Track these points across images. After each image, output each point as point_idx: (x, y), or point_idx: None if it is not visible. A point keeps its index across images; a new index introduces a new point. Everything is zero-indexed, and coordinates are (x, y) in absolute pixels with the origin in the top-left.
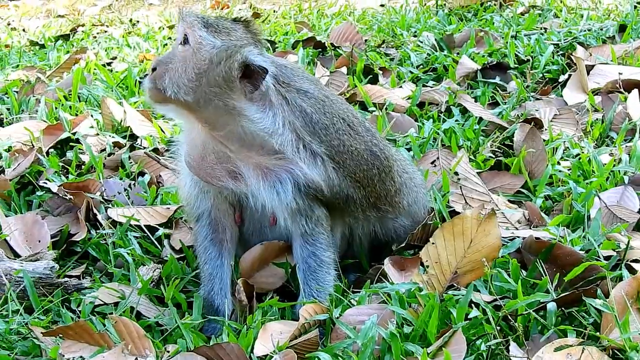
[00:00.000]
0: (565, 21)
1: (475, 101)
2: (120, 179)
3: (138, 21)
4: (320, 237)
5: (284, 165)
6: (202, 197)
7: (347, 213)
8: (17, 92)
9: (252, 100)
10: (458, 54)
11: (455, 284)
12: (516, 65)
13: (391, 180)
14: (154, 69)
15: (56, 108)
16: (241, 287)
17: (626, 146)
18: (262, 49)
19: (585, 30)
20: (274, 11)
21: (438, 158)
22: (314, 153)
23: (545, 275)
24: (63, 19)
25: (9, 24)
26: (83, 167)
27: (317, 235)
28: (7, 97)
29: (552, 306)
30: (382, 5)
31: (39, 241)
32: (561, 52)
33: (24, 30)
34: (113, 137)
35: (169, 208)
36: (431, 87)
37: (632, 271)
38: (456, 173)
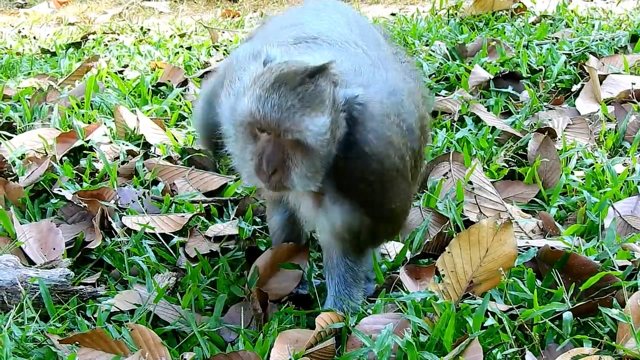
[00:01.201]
0: (577, 31)
1: (488, 110)
2: (135, 187)
3: (149, 29)
4: (362, 255)
5: None
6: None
7: None
8: (29, 99)
9: None
10: (470, 63)
11: (471, 293)
12: (528, 75)
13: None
14: (272, 172)
15: (69, 116)
16: (255, 295)
17: (639, 156)
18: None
19: (597, 40)
20: None
21: (450, 170)
22: None
23: (561, 285)
24: (74, 27)
25: (19, 32)
26: (97, 175)
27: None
28: (20, 105)
29: (567, 315)
30: (393, 14)
31: (54, 249)
32: (573, 62)
33: (34, 37)
34: (126, 145)
35: (183, 216)
36: (444, 97)
37: None
38: (470, 182)
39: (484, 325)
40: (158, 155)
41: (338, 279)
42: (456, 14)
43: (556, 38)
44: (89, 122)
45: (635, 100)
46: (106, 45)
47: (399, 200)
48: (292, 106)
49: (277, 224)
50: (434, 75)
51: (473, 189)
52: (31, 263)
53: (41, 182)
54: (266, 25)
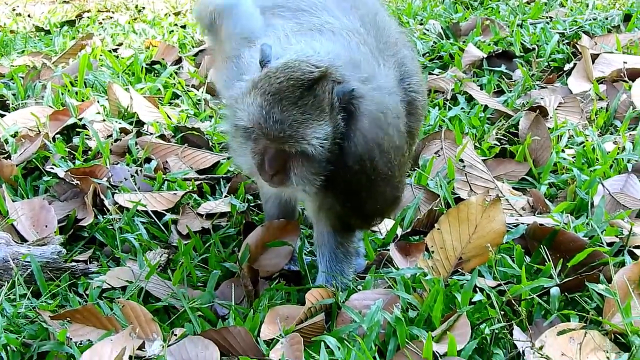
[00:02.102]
0: (571, 10)
1: (481, 89)
2: (127, 164)
3: (144, 7)
4: (351, 233)
5: None
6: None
7: None
8: (22, 77)
9: None
10: (464, 42)
11: (460, 269)
12: (522, 54)
13: None
14: (273, 175)
15: (62, 94)
16: (246, 272)
17: (630, 134)
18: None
19: (590, 20)
20: None
21: (442, 148)
22: None
23: (549, 261)
24: (68, 5)
25: (14, 10)
26: (90, 152)
27: (348, 231)
28: (13, 83)
29: (555, 291)
30: None
31: (46, 226)
32: (566, 41)
33: (29, 16)
34: (119, 123)
35: (175, 194)
36: (437, 75)
37: (635, 257)
38: (461, 160)
39: (473, 300)
40: (151, 133)
41: (329, 255)
42: None
43: (550, 17)
44: (82, 100)
45: (626, 79)
46: (100, 23)
47: (376, 203)
48: (295, 121)
49: (270, 200)
50: (427, 54)
51: (464, 166)
52: (23, 240)
53: (34, 160)
54: None
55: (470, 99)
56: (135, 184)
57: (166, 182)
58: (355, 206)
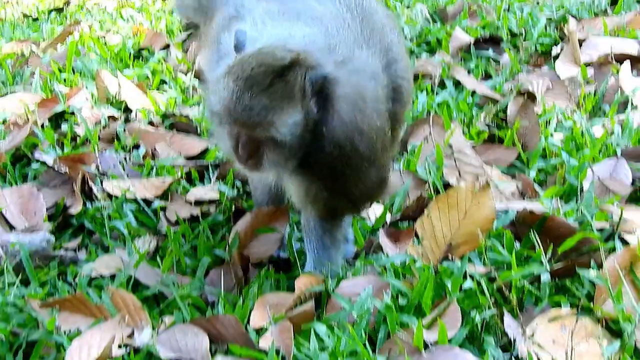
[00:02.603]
0: None
1: (469, 74)
2: (116, 151)
3: None
4: (337, 219)
5: None
6: None
7: None
8: (11, 64)
9: None
10: (451, 26)
11: (449, 256)
12: (509, 38)
13: None
14: (247, 160)
15: (51, 81)
16: (236, 259)
17: (619, 118)
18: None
19: (577, 3)
20: None
21: (430, 133)
22: None
23: (539, 247)
24: None
25: None
26: (78, 139)
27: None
28: (1, 69)
29: (545, 278)
30: None
31: (35, 213)
32: (554, 25)
33: (17, 2)
34: (108, 109)
35: (164, 181)
36: (424, 60)
37: (625, 243)
38: (450, 146)
39: (463, 287)
40: (139, 120)
41: (316, 242)
42: None
43: (537, 1)
44: (71, 87)
45: (614, 62)
46: (88, 10)
47: (362, 186)
48: (264, 107)
49: (259, 187)
50: (415, 39)
51: (453, 152)
52: (12, 228)
53: (22, 147)
54: None
55: (458, 83)
56: (124, 171)
57: (154, 168)
58: (341, 190)
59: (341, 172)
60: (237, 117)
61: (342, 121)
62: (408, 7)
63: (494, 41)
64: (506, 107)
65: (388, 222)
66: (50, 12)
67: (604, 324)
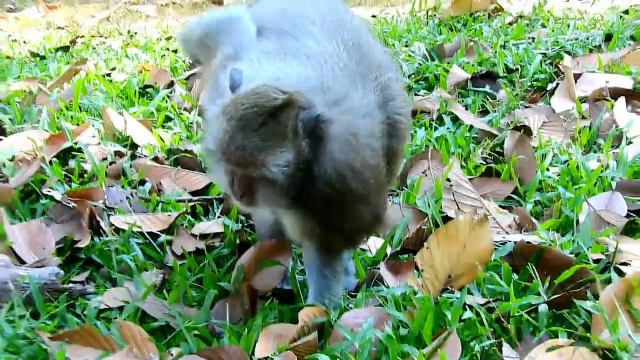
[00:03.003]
0: (553, 31)
1: (466, 109)
2: (122, 187)
3: (136, 33)
4: (334, 254)
5: None
6: None
7: None
8: (19, 102)
9: None
10: (449, 63)
11: (449, 287)
12: (505, 74)
13: None
14: (241, 196)
15: (58, 118)
16: (245, 291)
17: (613, 152)
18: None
19: (572, 40)
20: None
21: (429, 168)
22: None
23: (537, 278)
24: (62, 31)
25: (9, 36)
26: (85, 175)
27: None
28: (10, 107)
29: (543, 308)
30: (373, 16)
31: (44, 248)
32: (549, 61)
33: (24, 42)
34: (114, 146)
35: (170, 215)
36: (422, 96)
37: (621, 274)
38: (448, 179)
39: (462, 318)
40: (145, 156)
41: (317, 274)
42: (435, 15)
43: (532, 38)
44: (78, 124)
45: (609, 98)
46: (94, 48)
47: (355, 222)
48: (256, 147)
49: (261, 221)
50: (413, 75)
51: (451, 185)
52: (21, 262)
53: (31, 183)
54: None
55: (455, 119)
56: (131, 206)
57: (160, 203)
58: (334, 227)
59: (334, 209)
60: (231, 156)
61: (335, 160)
62: (406, 45)
63: (490, 77)
64: (503, 141)
65: (389, 255)
66: (57, 50)
67: (600, 353)
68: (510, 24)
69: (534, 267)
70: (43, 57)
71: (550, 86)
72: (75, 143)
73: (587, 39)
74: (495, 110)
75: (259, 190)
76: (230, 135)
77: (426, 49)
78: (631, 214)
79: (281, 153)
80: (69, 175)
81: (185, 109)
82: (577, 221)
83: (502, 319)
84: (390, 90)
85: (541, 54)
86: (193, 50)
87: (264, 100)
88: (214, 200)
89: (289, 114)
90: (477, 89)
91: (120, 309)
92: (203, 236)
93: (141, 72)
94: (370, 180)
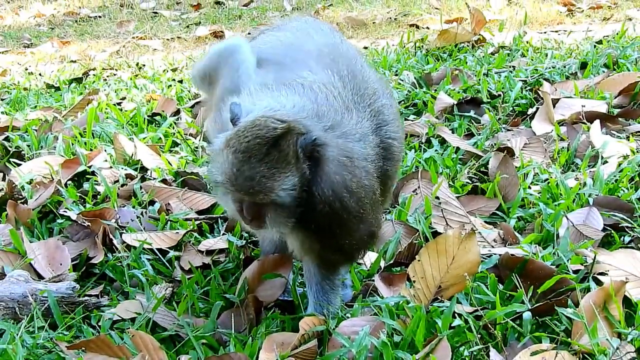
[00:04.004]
0: (532, 60)
1: (453, 132)
2: (133, 207)
3: (144, 65)
4: (333, 268)
5: None
6: None
7: None
8: (36, 130)
9: None
10: (436, 90)
11: (439, 297)
12: (488, 100)
13: None
14: (251, 219)
15: (72, 144)
16: (250, 302)
17: (590, 171)
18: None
19: (550, 68)
20: None
21: (419, 187)
22: None
23: (521, 288)
24: (75, 64)
25: (26, 69)
26: (99, 197)
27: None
28: (27, 135)
29: (527, 315)
30: (365, 48)
31: (61, 264)
32: (529, 88)
33: (40, 74)
34: (125, 169)
35: (178, 232)
36: (412, 121)
37: (599, 283)
38: (437, 197)
39: (452, 325)
40: (154, 178)
41: (316, 287)
42: (422, 46)
43: (513, 66)
44: (91, 150)
45: (585, 121)
46: (105, 79)
47: (352, 240)
48: (263, 176)
49: (266, 239)
50: (403, 102)
51: (440, 203)
52: (40, 277)
53: (48, 204)
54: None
55: (443, 141)
56: (141, 225)
57: (169, 222)
58: (332, 244)
59: (331, 227)
60: (239, 188)
61: (331, 181)
62: (396, 74)
63: (475, 103)
64: (487, 162)
65: (382, 267)
66: (70, 82)
67: (581, 357)
68: (493, 54)
69: (518, 278)
70: (58, 89)
71: (530, 111)
72: (89, 167)
73: (564, 67)
74: (479, 134)
75: (267, 214)
76: (237, 168)
77: (415, 78)
78: (607, 227)
79: (286, 178)
80: (84, 196)
81: (190, 135)
82: (558, 235)
83: (489, 326)
84: (384, 115)
85: (521, 81)
86: (202, 85)
87: (265, 131)
88: (219, 219)
89: (289, 141)
90: (462, 113)
91: (133, 320)
92: (209, 252)
93: (149, 101)
94: (366, 200)
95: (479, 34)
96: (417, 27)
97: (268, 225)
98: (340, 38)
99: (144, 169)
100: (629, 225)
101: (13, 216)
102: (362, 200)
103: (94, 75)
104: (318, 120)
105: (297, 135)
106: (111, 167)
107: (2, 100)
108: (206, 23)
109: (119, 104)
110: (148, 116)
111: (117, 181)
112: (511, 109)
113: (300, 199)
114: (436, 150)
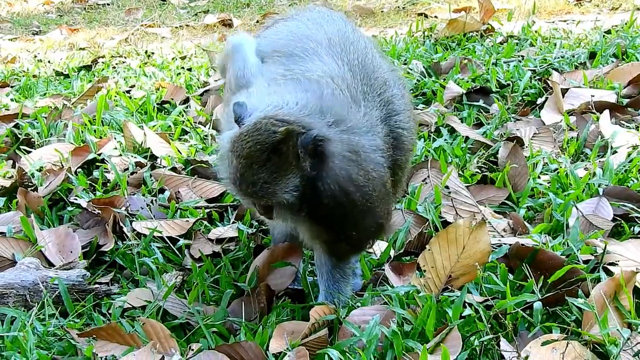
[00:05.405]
0: (541, 49)
1: (462, 122)
2: (143, 195)
3: (153, 53)
4: (343, 257)
5: None
6: None
7: None
8: (45, 117)
9: None
10: (445, 79)
11: (449, 287)
12: (497, 90)
13: None
14: (262, 214)
15: (82, 131)
16: (262, 290)
17: (599, 161)
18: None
19: (559, 58)
20: None
21: (429, 176)
22: None
23: (531, 278)
24: (84, 52)
25: (35, 57)
26: (109, 184)
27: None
28: (37, 122)
29: (537, 305)
30: (374, 37)
31: (71, 252)
32: (538, 77)
33: (49, 62)
34: (135, 157)
35: (188, 221)
36: (421, 110)
37: (609, 273)
38: (447, 187)
39: (462, 315)
40: (164, 166)
41: (327, 276)
42: (431, 35)
43: (522, 56)
44: (101, 137)
45: (594, 111)
46: (114, 67)
47: (360, 231)
48: (265, 181)
49: (277, 228)
50: (412, 91)
51: (449, 192)
52: (51, 265)
53: (58, 192)
54: (269, 31)
55: (452, 131)
56: (151, 213)
57: (179, 210)
58: (340, 235)
59: (340, 220)
60: (244, 192)
61: (336, 176)
62: (405, 63)
63: (484, 92)
64: (497, 151)
65: (392, 257)
66: (79, 69)
67: (591, 347)
68: (501, 43)
69: (528, 268)
70: (67, 76)
71: (539, 100)
72: (99, 154)
73: (573, 56)
74: (489, 123)
75: (276, 210)
76: (240, 173)
77: (423, 67)
78: (617, 217)
79: (288, 180)
80: (94, 184)
81: (200, 123)
82: (567, 225)
83: (500, 315)
84: (394, 105)
85: (530, 70)
86: (224, 75)
87: (265, 136)
88: (229, 207)
89: (289, 144)
90: (471, 103)
91: (143, 307)
92: (219, 240)
93: (158, 89)
94: (374, 192)
95: (488, 23)
96: (426, 16)
97: (279, 218)
98: (352, 27)
99: (153, 157)
100: (639, 215)
101: (23, 203)
102: (369, 193)
103: (103, 62)
104: (322, 117)
105: (297, 135)
106: (121, 155)
107: (12, 87)
108: (214, 11)
109: (128, 91)
110: (157, 104)
111: (127, 169)
112: (520, 98)
113: (306, 195)
114: (445, 140)
